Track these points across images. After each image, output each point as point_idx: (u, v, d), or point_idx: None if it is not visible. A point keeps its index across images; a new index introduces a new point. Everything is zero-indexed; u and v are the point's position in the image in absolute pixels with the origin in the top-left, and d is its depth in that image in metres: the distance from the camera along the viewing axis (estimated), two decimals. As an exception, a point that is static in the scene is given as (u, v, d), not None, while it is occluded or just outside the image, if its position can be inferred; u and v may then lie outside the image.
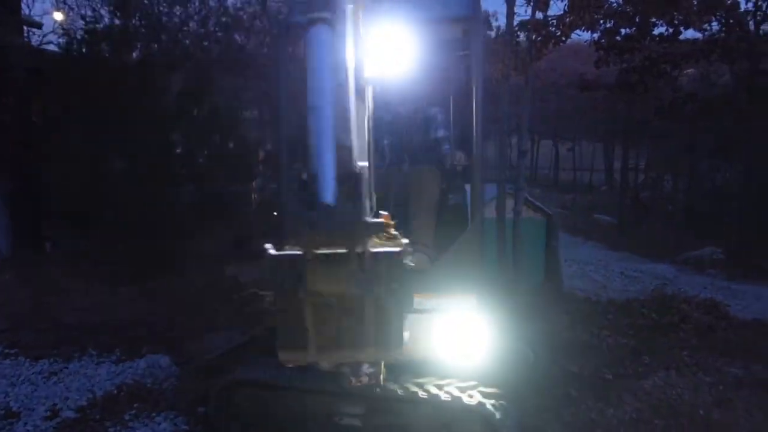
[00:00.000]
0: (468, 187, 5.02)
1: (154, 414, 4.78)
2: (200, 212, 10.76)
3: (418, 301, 4.03)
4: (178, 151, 10.99)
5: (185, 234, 10.31)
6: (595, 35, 11.08)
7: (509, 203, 8.16)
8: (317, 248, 1.68)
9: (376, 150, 4.75)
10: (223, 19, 17.67)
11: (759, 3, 14.88)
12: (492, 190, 7.90)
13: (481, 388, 4.15)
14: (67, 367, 5.73)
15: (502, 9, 8.30)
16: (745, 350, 6.55)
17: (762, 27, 16.13)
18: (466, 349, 4.26)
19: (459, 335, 4.23)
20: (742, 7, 14.56)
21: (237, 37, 18.36)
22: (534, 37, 8.27)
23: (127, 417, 4.74)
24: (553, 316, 7.31)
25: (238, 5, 17.82)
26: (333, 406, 4.17)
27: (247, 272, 9.14)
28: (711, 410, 5.04)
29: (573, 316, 7.45)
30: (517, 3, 8.21)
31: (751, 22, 15.55)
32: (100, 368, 5.70)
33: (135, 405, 4.91)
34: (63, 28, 13.89)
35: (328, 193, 1.66)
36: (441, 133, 4.75)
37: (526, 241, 8.59)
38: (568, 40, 8.51)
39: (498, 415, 3.89)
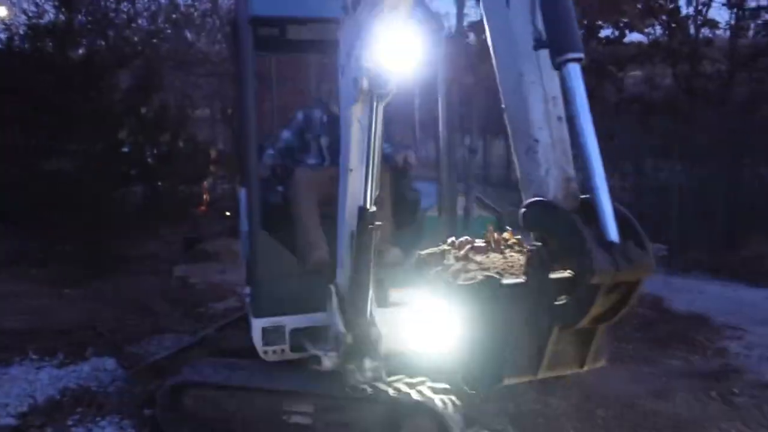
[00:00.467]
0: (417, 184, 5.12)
1: (98, 418, 4.67)
2: (149, 212, 10.57)
3: (395, 295, 4.09)
4: (125, 150, 10.77)
5: (133, 234, 10.12)
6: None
7: (460, 202, 8.27)
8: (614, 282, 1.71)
9: (315, 150, 4.78)
10: (173, 15, 17.35)
11: (699, 8, 15.43)
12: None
13: (430, 384, 4.22)
14: (6, 373, 5.55)
15: (453, 10, 8.41)
16: (685, 342, 6.79)
17: (702, 31, 16.75)
18: (439, 340, 4.36)
19: (433, 327, 4.31)
20: (683, 11, 15.08)
21: (187, 34, 18.06)
22: (483, 37, 8.40)
23: (70, 422, 4.63)
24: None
25: (189, 2, 17.53)
26: (283, 405, 4.18)
27: (197, 273, 9.05)
28: (648, 398, 5.23)
29: (522, 311, 7.57)
30: (467, 4, 8.33)
31: (692, 26, 16.12)
32: (41, 372, 5.53)
33: (78, 410, 4.79)
34: (5, 24, 13.45)
35: (612, 230, 1.71)
36: None
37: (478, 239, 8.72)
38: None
39: (446, 410, 3.96)
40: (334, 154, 4.76)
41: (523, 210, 1.93)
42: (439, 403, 3.97)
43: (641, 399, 5.25)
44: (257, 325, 4.19)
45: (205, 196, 13.99)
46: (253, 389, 4.23)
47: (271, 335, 4.19)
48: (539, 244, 1.86)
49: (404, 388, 4.07)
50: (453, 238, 2.20)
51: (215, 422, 4.25)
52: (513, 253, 2.10)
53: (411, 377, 4.17)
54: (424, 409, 3.99)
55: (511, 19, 2.00)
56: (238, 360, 4.51)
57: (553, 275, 1.80)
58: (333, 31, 5.17)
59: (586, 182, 1.76)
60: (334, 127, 4.76)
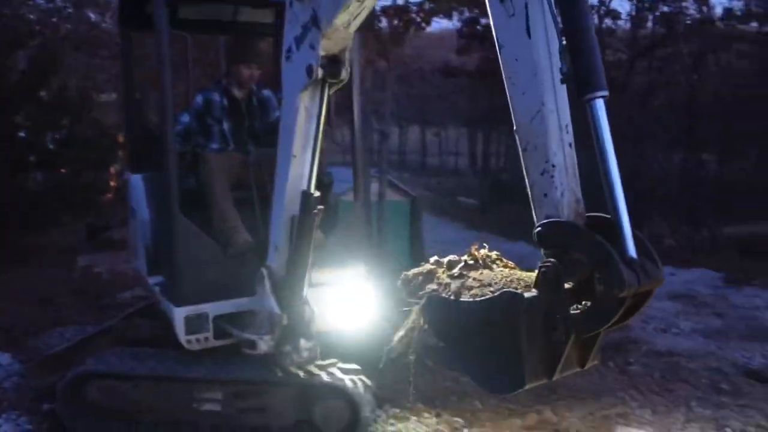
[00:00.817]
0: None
1: (-6, 416, 4.45)
2: (50, 200, 10.05)
3: (318, 275, 4.08)
4: (22, 134, 10.18)
5: (33, 223, 9.61)
6: (458, 24, 11.53)
7: (373, 187, 8.34)
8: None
9: (217, 134, 4.69)
10: (75, -7, 16.45)
11: (603, -1, 16.07)
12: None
13: (341, 365, 4.27)
14: None
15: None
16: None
17: (605, 21, 17.51)
18: (358, 317, 4.53)
19: (352, 304, 4.46)
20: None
21: (90, 14, 17.19)
22: (395, 22, 8.46)
23: (-37, 421, 4.38)
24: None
25: (91, -21, 16.68)
26: (194, 393, 4.11)
27: (102, 262, 8.71)
28: (554, 373, 5.48)
29: (435, 293, 7.74)
30: (378, -12, 8.35)
31: (595, 17, 16.81)
32: (-70, 370, 5.20)
33: (-28, 407, 4.54)
34: None
35: (631, 248, 1.92)
36: (278, 115, 4.79)
37: (391, 223, 8.83)
38: (434, 29, 8.81)
39: (356, 390, 4.02)
40: (237, 139, 4.71)
41: (539, 229, 2.09)
42: (349, 384, 4.02)
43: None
44: (179, 313, 4.06)
45: (112, 183, 13.41)
46: (163, 378, 4.14)
47: (193, 323, 4.09)
48: (552, 260, 2.02)
49: (315, 370, 4.11)
50: (437, 257, 2.39)
51: (121, 414, 4.13)
52: (501, 268, 2.33)
53: (323, 359, 4.21)
54: (337, 392, 4.04)
55: (533, 51, 2.12)
56: (145, 349, 4.39)
57: (567, 287, 2.02)
58: (247, 12, 5.16)
59: (609, 203, 1.95)
60: (235, 111, 4.69)
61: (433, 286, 2.31)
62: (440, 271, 2.38)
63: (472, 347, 2.17)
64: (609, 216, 2.00)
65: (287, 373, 4.00)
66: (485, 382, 2.27)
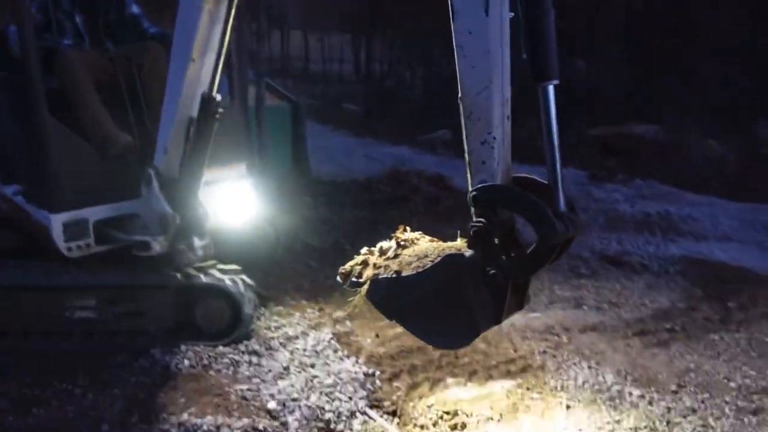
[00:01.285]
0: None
1: None
2: None
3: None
4: None
5: None
6: None
7: (251, 91, 8.06)
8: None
9: (70, 29, 4.31)
10: None
11: None
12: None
13: (221, 266, 4.26)
14: None
15: None
16: (463, 215, 7.45)
17: None
18: (240, 213, 4.59)
19: (236, 203, 4.52)
20: None
21: None
22: None
23: None
24: (299, 199, 7.58)
25: None
26: (65, 301, 3.97)
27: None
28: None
29: (318, 197, 7.80)
30: None
31: None
32: None
33: None
34: None
35: (562, 203, 2.23)
36: (135, 9, 4.48)
37: (272, 128, 8.64)
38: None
39: (236, 289, 4.03)
40: (93, 35, 4.35)
41: (474, 193, 2.28)
42: (229, 283, 4.03)
43: (423, 265, 5.75)
44: (56, 220, 3.82)
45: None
46: (31, 288, 3.95)
47: (73, 230, 3.88)
48: (482, 220, 2.23)
49: (192, 273, 4.07)
50: (368, 248, 2.52)
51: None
52: (428, 242, 2.50)
53: (200, 262, 4.18)
54: (216, 292, 4.04)
55: (489, 29, 2.23)
56: (5, 260, 4.14)
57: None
58: None
59: (549, 165, 2.25)
60: (87, 3, 4.31)
61: (373, 272, 2.41)
62: (374, 257, 2.48)
63: (425, 315, 2.33)
64: (529, 176, 2.37)
65: (182, 272, 4.00)
66: (444, 342, 2.50)
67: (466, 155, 2.37)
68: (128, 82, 4.18)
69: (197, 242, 4.12)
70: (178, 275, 4.01)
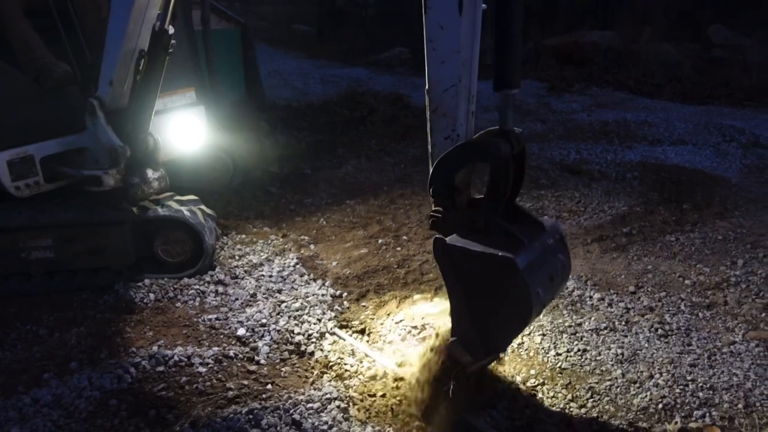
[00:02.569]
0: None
1: None
2: None
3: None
4: None
5: None
6: None
7: (195, 13, 7.67)
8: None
9: None
10: None
11: None
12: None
13: (178, 197, 4.17)
14: None
15: None
16: (423, 133, 7.40)
17: None
18: (193, 142, 4.58)
19: (186, 129, 4.48)
20: None
21: None
22: None
23: None
24: (255, 125, 7.41)
25: None
26: (18, 242, 3.86)
27: None
28: (393, 185, 5.75)
29: (274, 122, 7.62)
30: None
31: None
32: None
33: None
34: None
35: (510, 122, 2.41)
36: None
37: (221, 53, 8.30)
38: None
39: (195, 220, 3.97)
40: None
41: (433, 187, 2.46)
42: (188, 214, 3.96)
43: (385, 186, 5.75)
44: (0, 159, 3.69)
45: None
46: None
47: (19, 168, 3.75)
48: (440, 210, 2.47)
49: (149, 206, 3.99)
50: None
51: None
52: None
53: (156, 194, 4.09)
54: (176, 223, 3.97)
55: (460, 28, 2.24)
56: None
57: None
58: None
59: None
60: None
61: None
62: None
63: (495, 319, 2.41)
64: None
65: (138, 206, 3.94)
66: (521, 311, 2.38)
67: (429, 147, 2.48)
68: (59, 8, 3.96)
69: (151, 174, 4.04)
70: (134, 209, 3.92)
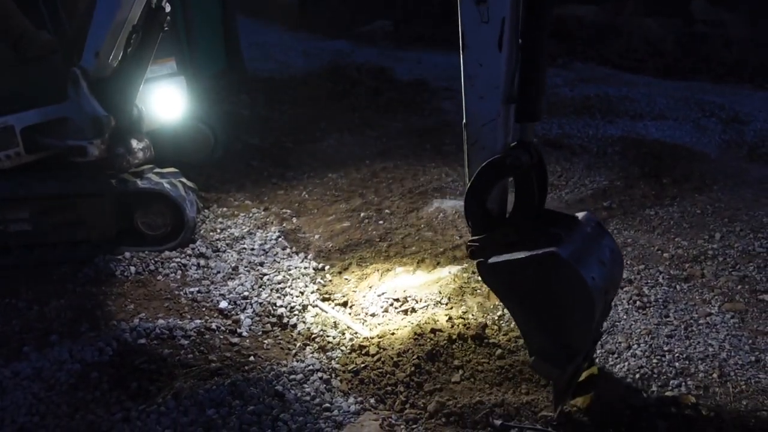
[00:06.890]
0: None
1: None
2: None
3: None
4: None
5: None
6: None
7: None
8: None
9: None
10: None
11: None
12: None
13: (158, 169, 4.12)
14: None
15: None
16: (406, 106, 7.38)
17: None
18: (174, 113, 4.57)
19: (167, 100, 4.47)
20: None
21: None
22: None
23: None
24: (236, 98, 7.33)
25: None
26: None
27: None
28: (375, 159, 5.73)
29: (255, 95, 7.54)
30: None
31: None
32: None
33: None
34: None
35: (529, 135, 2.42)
36: None
37: (200, 23, 8.16)
38: None
39: (176, 193, 3.93)
40: None
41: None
42: (168, 186, 3.92)
43: (367, 159, 5.72)
44: None
45: None
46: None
47: None
48: (475, 239, 2.45)
49: (129, 178, 3.94)
50: None
51: None
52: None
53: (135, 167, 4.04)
54: (156, 196, 3.93)
55: (500, 63, 2.23)
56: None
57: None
58: None
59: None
60: None
61: None
62: None
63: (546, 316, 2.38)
64: None
65: (117, 178, 3.91)
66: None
67: (466, 178, 2.46)
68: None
69: (136, 144, 4.00)
70: (113, 182, 3.87)
